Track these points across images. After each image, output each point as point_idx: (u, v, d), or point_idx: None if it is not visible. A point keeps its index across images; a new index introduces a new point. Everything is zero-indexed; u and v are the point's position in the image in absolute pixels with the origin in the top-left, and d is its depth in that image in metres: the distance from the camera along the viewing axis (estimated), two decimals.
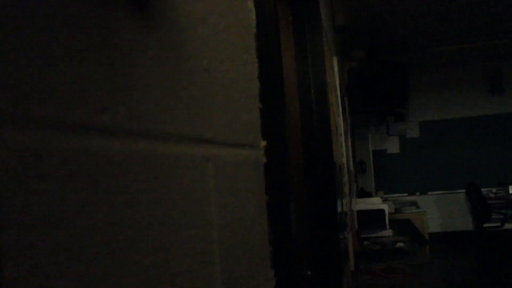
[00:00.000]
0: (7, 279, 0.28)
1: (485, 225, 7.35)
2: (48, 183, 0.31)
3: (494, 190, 8.32)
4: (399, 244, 4.26)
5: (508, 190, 8.01)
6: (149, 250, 0.43)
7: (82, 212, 0.34)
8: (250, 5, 0.89)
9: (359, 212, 4.97)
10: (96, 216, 0.36)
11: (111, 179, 0.38)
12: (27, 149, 0.30)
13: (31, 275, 0.29)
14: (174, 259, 0.48)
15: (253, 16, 0.90)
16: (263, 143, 0.87)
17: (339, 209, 2.60)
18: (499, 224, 7.27)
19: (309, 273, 2.02)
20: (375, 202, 5.51)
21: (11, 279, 0.28)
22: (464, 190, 8.15)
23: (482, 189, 7.85)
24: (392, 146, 8.95)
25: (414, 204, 7.40)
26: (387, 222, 5.03)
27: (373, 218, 5.02)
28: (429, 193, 8.77)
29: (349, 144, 5.34)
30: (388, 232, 4.77)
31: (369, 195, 7.53)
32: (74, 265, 0.33)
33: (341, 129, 3.68)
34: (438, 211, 8.71)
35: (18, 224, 0.29)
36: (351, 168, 5.49)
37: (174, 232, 0.48)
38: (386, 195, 8.16)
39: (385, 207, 5.13)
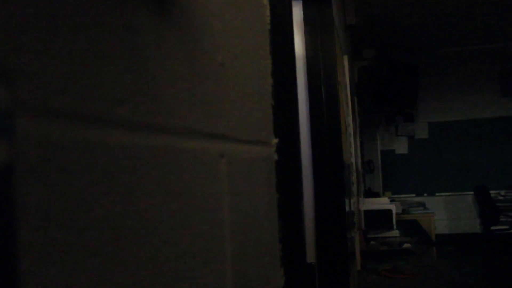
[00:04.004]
0: (23, 274, 0.27)
1: (493, 228, 7.31)
2: (66, 175, 0.31)
3: (502, 192, 8.26)
4: (406, 245, 4.24)
5: None
6: (162, 246, 0.43)
7: (98, 205, 0.34)
8: (265, 1, 0.88)
9: (366, 212, 4.96)
10: (112, 210, 0.35)
11: (127, 172, 0.38)
12: (46, 140, 0.30)
13: (47, 268, 0.29)
14: (186, 254, 0.47)
15: (267, 12, 0.90)
16: (275, 140, 0.86)
17: (347, 209, 2.59)
18: (507, 227, 7.22)
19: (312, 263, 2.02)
20: (382, 202, 5.49)
21: (27, 273, 0.28)
22: (472, 192, 8.10)
23: (490, 192, 7.80)
24: (401, 147, 8.91)
25: (422, 205, 7.37)
26: (394, 222, 5.01)
27: (380, 218, 5.00)
28: (437, 194, 8.72)
29: (358, 143, 5.32)
30: (395, 233, 4.75)
31: (376, 195, 7.50)
32: (89, 259, 0.33)
33: (351, 129, 3.67)
34: (445, 213, 8.67)
35: (36, 217, 0.29)
36: (359, 167, 5.47)
37: (187, 228, 0.48)
38: (393, 196, 8.12)
39: (393, 207, 5.11)
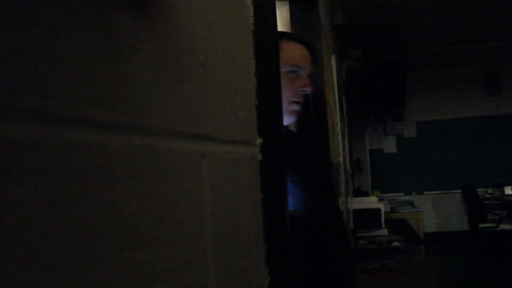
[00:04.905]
0: None
1: (480, 226, 7.37)
2: (40, 177, 0.31)
3: (490, 190, 8.35)
4: (395, 244, 4.27)
5: (503, 191, 8.03)
6: (141, 246, 0.43)
7: (74, 207, 0.34)
8: (248, 1, 0.89)
9: (355, 211, 4.98)
10: (88, 211, 0.36)
11: (104, 173, 0.38)
12: (19, 142, 0.30)
13: (21, 269, 0.29)
14: (167, 255, 0.47)
15: (251, 12, 0.90)
16: (259, 140, 0.87)
17: None
18: (494, 224, 7.29)
19: None
20: (371, 201, 5.51)
21: (1, 275, 0.28)
22: (460, 190, 8.17)
23: (478, 190, 7.88)
24: (389, 146, 8.96)
25: (410, 203, 7.41)
26: (383, 221, 5.03)
27: (369, 217, 5.02)
28: (425, 193, 8.79)
29: (346, 143, 5.35)
30: (383, 231, 4.77)
31: (365, 194, 7.54)
32: (65, 260, 0.33)
33: (338, 128, 3.68)
34: (434, 211, 8.74)
35: (9, 218, 0.29)
36: (348, 167, 5.50)
37: (168, 228, 0.48)
38: (382, 195, 8.17)
39: (381, 206, 5.14)
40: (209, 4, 0.67)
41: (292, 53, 1.54)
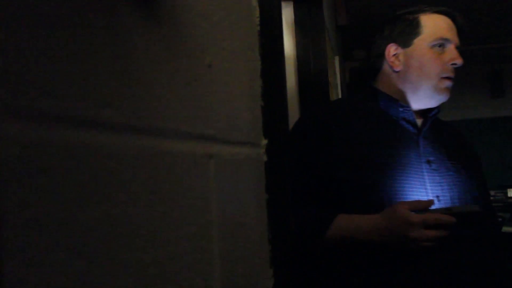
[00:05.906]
0: (6, 277, 0.27)
1: None
2: (49, 178, 0.31)
3: (492, 192, 8.32)
4: None
5: (506, 193, 8.01)
6: (149, 248, 0.43)
7: (82, 208, 0.34)
8: (254, 2, 0.88)
9: None
10: (96, 212, 0.35)
11: (112, 174, 0.38)
12: (28, 143, 0.30)
13: (31, 272, 0.29)
14: (174, 256, 0.47)
15: (257, 13, 0.90)
16: (264, 142, 0.86)
17: None
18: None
19: None
20: None
21: (10, 277, 0.28)
22: None
23: None
24: None
25: None
26: None
27: None
28: None
29: None
30: None
31: None
32: (74, 263, 0.33)
33: None
34: None
35: (18, 219, 0.28)
36: None
37: (174, 229, 0.48)
38: None
39: None
40: (215, 5, 0.66)
41: (436, 26, 1.41)
